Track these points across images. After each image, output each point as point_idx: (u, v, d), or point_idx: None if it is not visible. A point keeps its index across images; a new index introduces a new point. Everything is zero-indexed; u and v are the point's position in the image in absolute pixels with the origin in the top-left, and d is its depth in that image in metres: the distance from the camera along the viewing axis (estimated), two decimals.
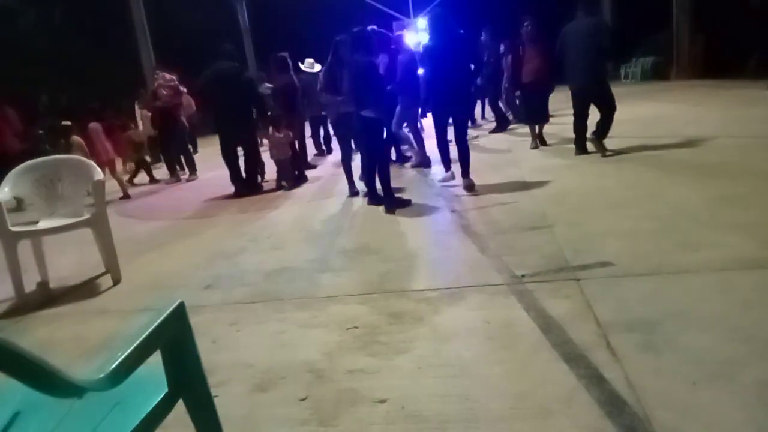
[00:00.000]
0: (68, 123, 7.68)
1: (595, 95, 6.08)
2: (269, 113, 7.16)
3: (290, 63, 7.41)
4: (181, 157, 8.80)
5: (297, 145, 7.15)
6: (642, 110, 9.73)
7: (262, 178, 7.25)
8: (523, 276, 2.95)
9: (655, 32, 18.31)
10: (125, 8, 16.50)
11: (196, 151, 10.77)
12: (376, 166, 5.10)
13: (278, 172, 6.77)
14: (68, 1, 15.39)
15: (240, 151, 6.74)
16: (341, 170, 5.92)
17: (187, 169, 8.71)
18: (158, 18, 16.85)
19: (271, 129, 6.74)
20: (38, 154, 6.45)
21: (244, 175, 6.71)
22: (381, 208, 4.96)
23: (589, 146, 6.27)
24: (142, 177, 9.01)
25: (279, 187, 6.66)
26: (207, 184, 7.50)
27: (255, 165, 6.92)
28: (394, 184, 5.17)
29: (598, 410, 1.75)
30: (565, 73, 6.23)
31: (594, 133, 6.17)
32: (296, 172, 6.96)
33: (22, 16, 15.37)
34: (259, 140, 7.27)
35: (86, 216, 3.70)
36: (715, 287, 2.54)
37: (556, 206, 4.29)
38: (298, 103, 7.17)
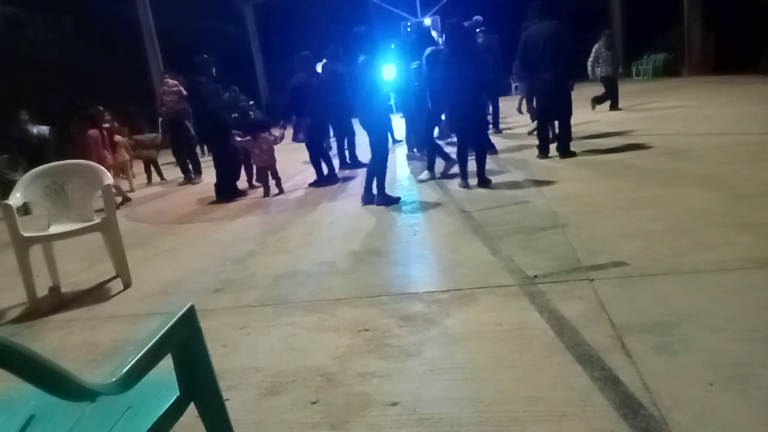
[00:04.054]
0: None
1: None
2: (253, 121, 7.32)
3: (310, 62, 7.20)
4: (188, 160, 8.85)
5: (315, 147, 7.01)
6: (654, 107, 9.66)
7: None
8: (535, 277, 2.93)
9: (666, 29, 18.21)
10: (133, 14, 16.66)
11: (204, 154, 10.89)
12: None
13: (257, 178, 6.85)
14: (77, 8, 15.55)
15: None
16: (349, 174, 5.91)
17: (193, 172, 8.79)
18: (166, 23, 17.00)
19: (245, 137, 6.82)
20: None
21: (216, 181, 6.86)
22: (380, 207, 5.13)
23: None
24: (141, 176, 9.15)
25: (266, 194, 6.58)
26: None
27: (226, 170, 6.86)
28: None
29: (613, 413, 1.72)
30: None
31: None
32: (323, 173, 6.95)
33: (31, 24, 15.53)
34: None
35: (96, 220, 3.72)
36: (730, 287, 2.50)
37: (567, 207, 4.26)
38: (313, 104, 6.82)
